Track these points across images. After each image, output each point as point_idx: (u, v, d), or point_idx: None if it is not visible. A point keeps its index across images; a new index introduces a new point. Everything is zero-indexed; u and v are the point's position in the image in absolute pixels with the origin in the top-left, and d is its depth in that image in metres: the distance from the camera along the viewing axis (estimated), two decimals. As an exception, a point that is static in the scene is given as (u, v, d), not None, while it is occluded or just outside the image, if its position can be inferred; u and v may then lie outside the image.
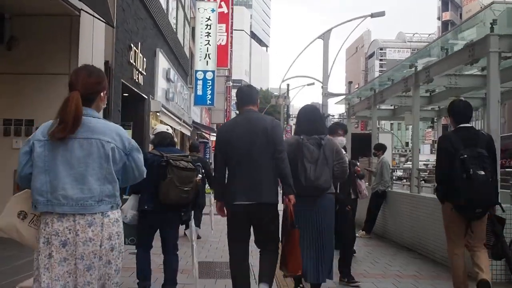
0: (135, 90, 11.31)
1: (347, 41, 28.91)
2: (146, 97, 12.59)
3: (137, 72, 11.29)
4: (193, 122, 23.04)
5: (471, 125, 5.03)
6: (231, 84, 34.08)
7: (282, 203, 4.61)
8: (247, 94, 4.72)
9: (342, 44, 28.71)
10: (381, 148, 10.75)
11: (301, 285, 5.13)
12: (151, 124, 13.25)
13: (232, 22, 35.73)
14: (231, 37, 37.63)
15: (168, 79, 15.37)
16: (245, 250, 4.58)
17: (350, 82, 40.36)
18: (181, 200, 4.83)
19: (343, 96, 22.66)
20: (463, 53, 7.37)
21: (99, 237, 2.65)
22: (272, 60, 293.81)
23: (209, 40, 22.45)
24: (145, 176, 3.00)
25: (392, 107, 14.63)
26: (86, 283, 2.63)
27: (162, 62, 14.47)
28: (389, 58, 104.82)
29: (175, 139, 5.42)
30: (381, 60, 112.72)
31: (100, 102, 2.86)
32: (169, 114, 15.50)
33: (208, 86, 22.40)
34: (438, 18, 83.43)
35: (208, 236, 9.63)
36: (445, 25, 75.31)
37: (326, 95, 32.09)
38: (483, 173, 4.57)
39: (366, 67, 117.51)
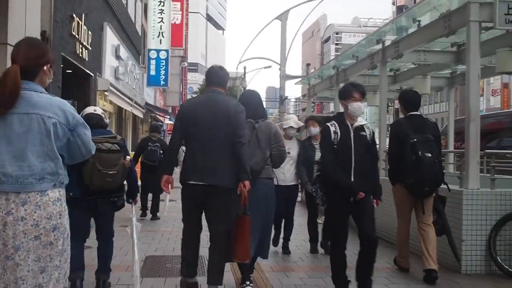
0: (79, 65, 10.28)
1: (304, 25, 28.49)
2: (92, 75, 11.57)
3: (80, 46, 10.27)
4: (146, 103, 21.98)
5: (419, 113, 5.63)
6: (186, 65, 32.94)
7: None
8: (218, 75, 4.67)
9: (301, 24, 28.07)
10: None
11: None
12: (98, 104, 12.27)
13: (187, 3, 34.57)
14: (187, 19, 36.49)
15: (117, 57, 14.34)
16: (196, 231, 4.60)
17: (308, 64, 39.91)
18: (106, 185, 4.42)
19: (301, 79, 22.05)
20: (438, 24, 6.78)
21: (32, 216, 2.54)
22: (229, 44, 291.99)
23: (162, 18, 21.26)
24: (93, 153, 2.92)
25: (392, 72, 14.08)
26: (14, 265, 2.52)
27: (111, 38, 13.43)
28: (345, 43, 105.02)
29: (107, 121, 5.08)
30: (337, 44, 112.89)
31: (44, 76, 2.75)
32: (119, 93, 14.46)
33: (161, 66, 21.27)
34: (393, 3, 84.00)
35: (161, 225, 8.85)
36: (400, 10, 75.65)
37: (284, 77, 31.52)
38: (430, 155, 5.16)
39: (322, 52, 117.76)
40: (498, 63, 7.36)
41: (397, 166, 5.43)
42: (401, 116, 5.81)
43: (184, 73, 38.76)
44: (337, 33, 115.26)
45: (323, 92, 14.11)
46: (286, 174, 6.58)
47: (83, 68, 10.68)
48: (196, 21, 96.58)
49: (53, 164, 2.63)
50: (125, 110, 17.14)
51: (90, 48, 11.09)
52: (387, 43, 8.60)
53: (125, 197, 4.78)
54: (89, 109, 4.92)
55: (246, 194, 4.38)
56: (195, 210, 4.54)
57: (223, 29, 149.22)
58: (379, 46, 8.78)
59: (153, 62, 21.19)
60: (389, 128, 6.26)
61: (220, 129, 4.38)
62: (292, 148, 6.57)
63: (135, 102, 17.84)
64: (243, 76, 38.33)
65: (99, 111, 4.94)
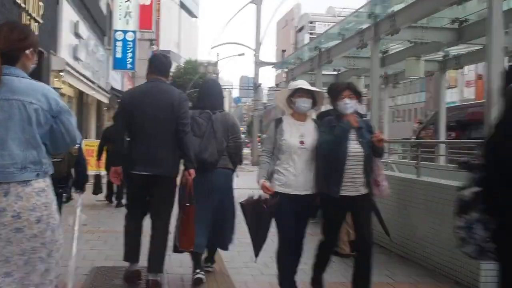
0: (27, 40, 8.97)
1: (277, 14, 27.58)
2: (45, 52, 10.26)
3: (28, 17, 8.95)
4: (112, 88, 20.56)
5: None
6: (155, 48, 31.45)
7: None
8: (163, 63, 4.67)
9: (276, 9, 26.89)
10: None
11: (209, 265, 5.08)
12: (52, 85, 10.94)
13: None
14: (158, 4, 34.99)
15: (77, 35, 13.00)
16: (138, 220, 4.65)
17: (283, 51, 38.88)
18: None
19: (277, 64, 20.96)
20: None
21: (13, 208, 2.42)
22: (202, 32, 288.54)
23: (129, -3, 19.91)
24: (79, 142, 3.00)
25: (335, 72, 13.06)
26: None
27: (68, 13, 12.09)
28: (319, 32, 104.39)
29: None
30: (311, 34, 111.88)
31: (26, 61, 2.63)
32: (77, 75, 13.09)
33: (128, 49, 19.90)
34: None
35: (118, 223, 7.64)
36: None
37: (258, 63, 30.38)
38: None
39: (296, 41, 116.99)
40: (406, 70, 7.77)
41: None
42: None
43: (154, 59, 37.24)
44: (311, 22, 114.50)
45: (302, 76, 13.02)
46: (298, 176, 4.07)
47: (32, 44, 9.34)
48: (169, 8, 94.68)
49: (35, 152, 2.52)
50: (87, 94, 15.76)
51: (41, 21, 9.76)
52: (381, 17, 7.54)
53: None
54: None
55: (191, 183, 4.44)
56: (139, 198, 4.59)
57: (196, 17, 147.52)
58: (370, 21, 7.72)
59: (119, 44, 19.81)
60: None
61: (163, 119, 4.39)
62: (306, 134, 4.12)
63: (98, 86, 16.49)
64: (216, 62, 37.03)
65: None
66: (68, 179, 4.63)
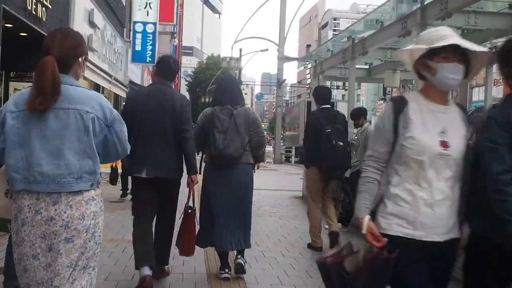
0: (33, 26, 8.19)
1: (301, 10, 26.76)
2: (55, 40, 9.49)
3: (35, 0, 8.17)
4: (131, 82, 19.85)
5: (330, 106, 6.42)
6: (176, 42, 30.69)
7: (199, 173, 4.77)
8: (170, 68, 4.69)
9: (300, 4, 25.98)
10: (361, 113, 8.14)
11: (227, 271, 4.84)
12: (64, 78, 10.22)
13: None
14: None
15: (91, 23, 12.21)
16: (149, 222, 4.60)
17: (308, 46, 37.85)
18: None
19: (303, 57, 20.02)
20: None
21: (61, 217, 2.41)
22: (225, 28, 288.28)
23: (150, -14, 19.10)
24: (128, 153, 2.73)
25: (367, 66, 12.08)
26: (40, 265, 2.41)
27: (82, 0, 11.31)
28: (343, 29, 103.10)
29: None
30: (334, 30, 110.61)
31: (78, 69, 2.64)
32: (93, 67, 12.33)
33: (148, 41, 19.09)
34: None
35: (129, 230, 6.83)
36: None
37: (282, 58, 29.44)
38: (341, 144, 5.98)
39: (320, 38, 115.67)
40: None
41: (311, 151, 6.32)
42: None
43: (177, 52, 36.51)
44: (335, 19, 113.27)
45: (332, 70, 12.07)
46: (436, 207, 2.32)
47: (39, 31, 8.55)
48: (192, 3, 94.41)
49: (91, 162, 2.50)
50: (103, 87, 15.02)
51: (50, 6, 8.98)
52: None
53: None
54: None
55: (193, 189, 4.62)
56: (145, 202, 4.57)
57: (219, 13, 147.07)
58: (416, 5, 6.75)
59: (138, 36, 18.97)
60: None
61: (166, 122, 4.44)
62: (451, 130, 2.38)
63: (115, 79, 15.73)
64: (238, 57, 36.20)
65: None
66: None
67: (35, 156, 2.41)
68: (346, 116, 6.77)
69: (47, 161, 2.41)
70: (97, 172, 2.55)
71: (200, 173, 4.82)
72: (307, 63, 16.14)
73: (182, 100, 4.58)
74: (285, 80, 29.29)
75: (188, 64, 78.17)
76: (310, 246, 6.35)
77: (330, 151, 5.89)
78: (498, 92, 43.25)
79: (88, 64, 11.78)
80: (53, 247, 2.39)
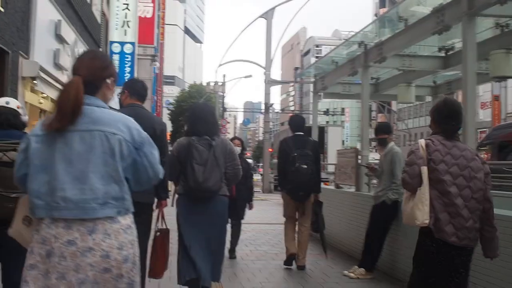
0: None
1: (283, 38, 25.95)
2: (10, 52, 7.90)
3: (-21, -2, 6.62)
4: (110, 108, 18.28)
5: (303, 133, 6.86)
6: (157, 64, 29.26)
7: (172, 205, 4.74)
8: (143, 88, 4.61)
9: (288, 24, 24.88)
10: (388, 129, 6.66)
11: None
12: (24, 96, 8.59)
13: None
14: (163, 12, 33.05)
15: (58, 37, 10.66)
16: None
17: (296, 68, 36.74)
18: (5, 214, 3.11)
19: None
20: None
21: (100, 247, 2.24)
22: (206, 57, 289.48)
23: (128, 4, 17.73)
24: (161, 177, 2.57)
25: (373, 81, 10.64)
26: None
27: (47, 9, 9.78)
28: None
29: (25, 118, 3.83)
30: (317, 57, 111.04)
31: (107, 91, 2.51)
32: (59, 86, 10.69)
33: (126, 63, 17.69)
34: (375, 15, 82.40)
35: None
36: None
37: (269, 82, 28.09)
38: (305, 166, 6.46)
39: (302, 64, 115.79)
40: (492, 67, 6.93)
41: (280, 175, 7.01)
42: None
43: (159, 81, 35.02)
44: (317, 46, 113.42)
45: (335, 87, 10.59)
46: None
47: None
48: (173, 33, 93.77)
49: (117, 188, 2.34)
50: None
51: (2, 10, 7.43)
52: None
53: None
54: (1, 101, 3.78)
55: (162, 213, 4.57)
56: None
57: (201, 42, 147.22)
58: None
59: (116, 57, 17.57)
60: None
61: None
62: None
63: (89, 103, 14.10)
64: (222, 82, 34.92)
65: (13, 104, 3.80)
66: None
67: (59, 180, 2.27)
68: (318, 142, 7.45)
69: (71, 186, 2.27)
70: (125, 198, 2.37)
71: (172, 206, 4.75)
72: (291, 90, 15.03)
73: (161, 123, 4.53)
74: (272, 104, 28.02)
75: (170, 93, 77.11)
76: (285, 262, 6.80)
77: (293, 174, 6.43)
78: (485, 115, 42.39)
79: (52, 81, 10.19)
80: (86, 280, 2.20)
